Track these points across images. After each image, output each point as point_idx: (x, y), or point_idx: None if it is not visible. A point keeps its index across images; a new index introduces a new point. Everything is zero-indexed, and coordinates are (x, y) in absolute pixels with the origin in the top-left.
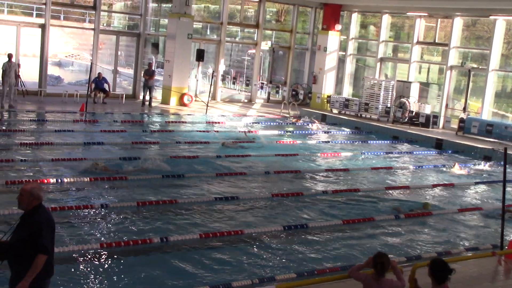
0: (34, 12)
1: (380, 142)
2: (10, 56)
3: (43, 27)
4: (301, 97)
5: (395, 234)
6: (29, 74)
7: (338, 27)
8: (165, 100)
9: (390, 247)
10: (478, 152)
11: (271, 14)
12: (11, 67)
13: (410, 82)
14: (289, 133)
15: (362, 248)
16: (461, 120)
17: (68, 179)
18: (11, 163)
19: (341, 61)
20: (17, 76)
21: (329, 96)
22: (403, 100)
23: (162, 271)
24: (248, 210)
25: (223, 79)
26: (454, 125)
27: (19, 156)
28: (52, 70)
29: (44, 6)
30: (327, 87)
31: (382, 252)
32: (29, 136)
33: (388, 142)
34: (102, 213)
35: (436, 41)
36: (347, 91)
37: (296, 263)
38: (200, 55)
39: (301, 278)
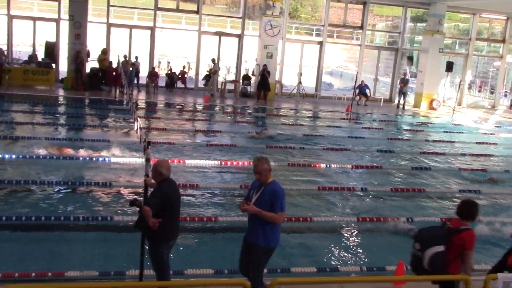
0: (314, 32)
1: None
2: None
3: (321, 44)
4: None
5: None
6: (308, 81)
7: None
8: (417, 104)
9: None
10: None
11: None
12: None
13: None
14: None
15: None
16: None
17: (334, 164)
18: (291, 149)
19: None
20: (299, 83)
21: None
22: None
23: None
24: None
25: (469, 88)
26: None
27: (300, 145)
28: (325, 78)
29: (322, 27)
30: None
31: None
32: (310, 129)
33: None
34: (361, 195)
35: None
36: None
37: None
38: (449, 67)
39: None
